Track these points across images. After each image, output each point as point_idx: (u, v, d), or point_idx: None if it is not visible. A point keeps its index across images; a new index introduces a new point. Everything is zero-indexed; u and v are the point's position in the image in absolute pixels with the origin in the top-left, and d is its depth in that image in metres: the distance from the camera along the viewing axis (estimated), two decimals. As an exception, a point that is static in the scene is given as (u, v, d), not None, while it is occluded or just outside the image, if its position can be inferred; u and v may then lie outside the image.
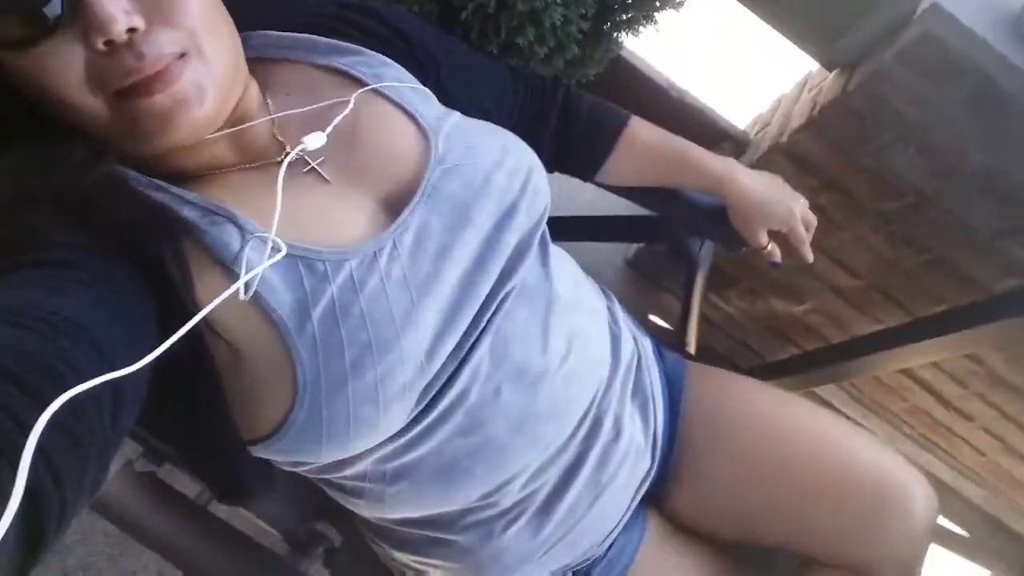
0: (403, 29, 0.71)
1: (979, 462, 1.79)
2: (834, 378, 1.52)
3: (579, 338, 0.70)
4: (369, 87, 0.64)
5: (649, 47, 1.43)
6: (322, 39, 0.66)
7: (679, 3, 1.09)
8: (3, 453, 0.30)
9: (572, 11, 0.98)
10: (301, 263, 0.53)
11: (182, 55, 0.49)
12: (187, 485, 0.79)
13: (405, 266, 0.57)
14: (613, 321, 0.81)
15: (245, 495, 0.65)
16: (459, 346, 0.60)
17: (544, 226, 0.68)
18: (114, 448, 0.42)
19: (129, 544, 1.33)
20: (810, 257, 0.93)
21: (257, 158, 0.60)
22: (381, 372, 0.54)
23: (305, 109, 0.61)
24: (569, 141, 0.88)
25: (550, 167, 0.92)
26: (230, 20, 0.57)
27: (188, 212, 0.53)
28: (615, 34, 1.12)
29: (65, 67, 0.46)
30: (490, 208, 0.62)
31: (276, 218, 0.52)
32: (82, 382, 0.36)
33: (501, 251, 0.62)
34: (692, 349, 1.13)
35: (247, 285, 0.51)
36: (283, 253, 0.52)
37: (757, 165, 1.29)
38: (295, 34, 0.66)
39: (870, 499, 0.77)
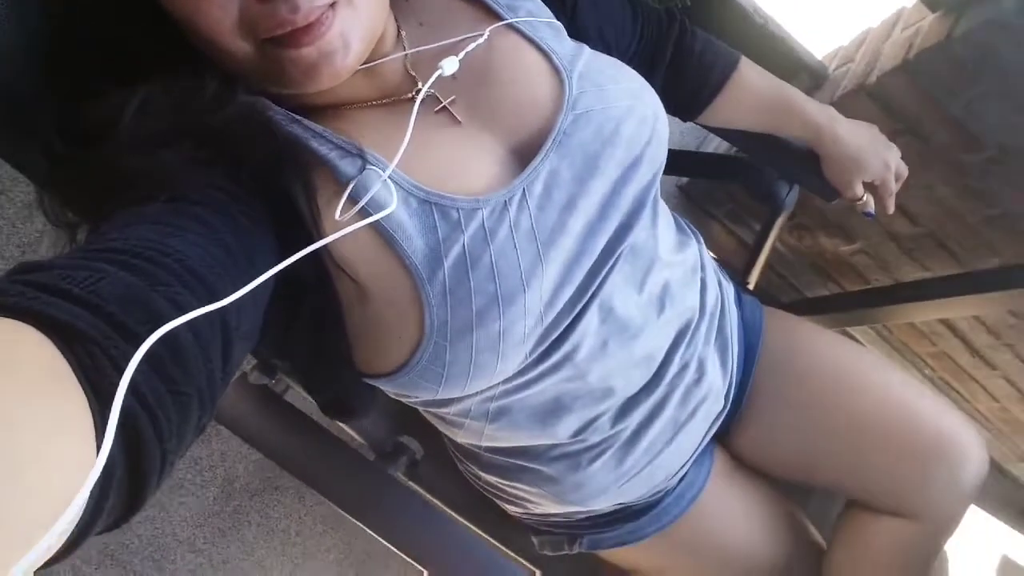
0: None
1: (991, 408, 1.85)
2: (872, 320, 1.54)
3: (671, 293, 0.72)
4: (504, 22, 0.62)
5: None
6: None
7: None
8: (109, 404, 0.29)
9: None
10: (436, 209, 0.53)
11: (332, 4, 0.48)
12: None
13: (533, 217, 0.57)
14: (702, 268, 0.81)
15: (348, 414, 0.69)
16: (573, 299, 0.61)
17: (656, 182, 0.67)
18: (222, 388, 0.42)
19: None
20: (891, 208, 0.93)
21: (390, 93, 0.59)
22: (505, 323, 0.55)
23: (437, 44, 0.60)
24: (679, 79, 0.86)
25: None
26: None
27: (319, 146, 0.53)
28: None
29: (220, 8, 0.46)
30: (618, 158, 0.61)
31: (400, 152, 0.52)
32: (190, 330, 0.37)
33: (621, 205, 0.62)
34: (752, 286, 1.15)
35: (366, 212, 0.51)
36: (385, 177, 0.51)
37: (837, 103, 1.25)
38: None
39: (928, 455, 0.81)
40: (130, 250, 0.39)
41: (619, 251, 0.63)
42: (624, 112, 0.62)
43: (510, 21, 0.62)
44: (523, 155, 0.59)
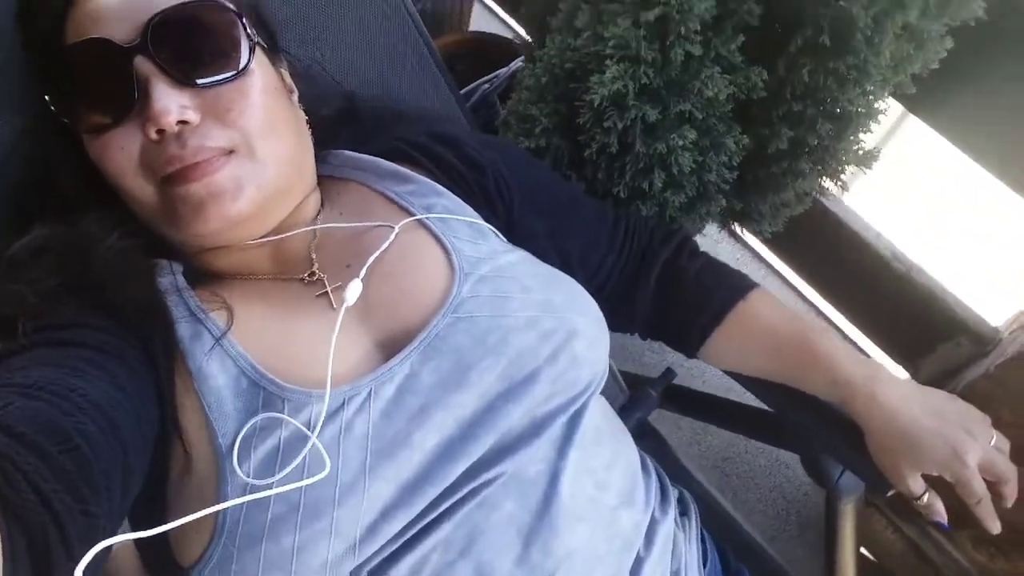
0: (480, 161, 0.66)
1: None
2: None
3: (574, 560, 0.53)
4: (414, 217, 0.60)
5: (867, 203, 1.17)
6: (386, 164, 0.65)
7: (872, 156, 0.87)
8: (23, 522, 0.33)
9: (711, 158, 0.83)
10: (262, 394, 0.50)
11: (230, 152, 0.51)
12: None
13: (373, 422, 0.50)
14: (648, 544, 0.61)
15: None
16: (408, 528, 0.49)
17: (583, 407, 0.56)
18: (119, 520, 0.44)
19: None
20: (994, 527, 0.61)
21: (286, 271, 0.59)
22: (301, 540, 0.46)
23: (347, 225, 0.60)
24: (668, 303, 0.73)
25: (645, 333, 0.77)
26: (302, 131, 0.59)
27: (175, 304, 0.53)
28: (790, 185, 0.92)
29: (122, 151, 0.50)
30: (498, 371, 0.53)
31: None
32: (96, 454, 0.40)
33: (499, 425, 0.52)
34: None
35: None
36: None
37: (996, 372, 0.93)
38: (367, 156, 0.66)
39: None
40: (34, 384, 0.41)
41: (488, 476, 0.51)
42: (521, 323, 0.54)
43: (420, 217, 0.60)
44: (389, 352, 0.54)
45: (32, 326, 0.48)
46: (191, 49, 0.50)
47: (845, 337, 1.34)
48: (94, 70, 0.50)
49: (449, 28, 1.64)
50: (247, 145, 0.52)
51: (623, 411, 0.96)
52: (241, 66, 0.52)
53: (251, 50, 0.53)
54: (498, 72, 1.37)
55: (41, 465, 0.35)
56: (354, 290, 0.54)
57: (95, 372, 0.45)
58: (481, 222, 0.63)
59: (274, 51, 0.60)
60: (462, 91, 1.34)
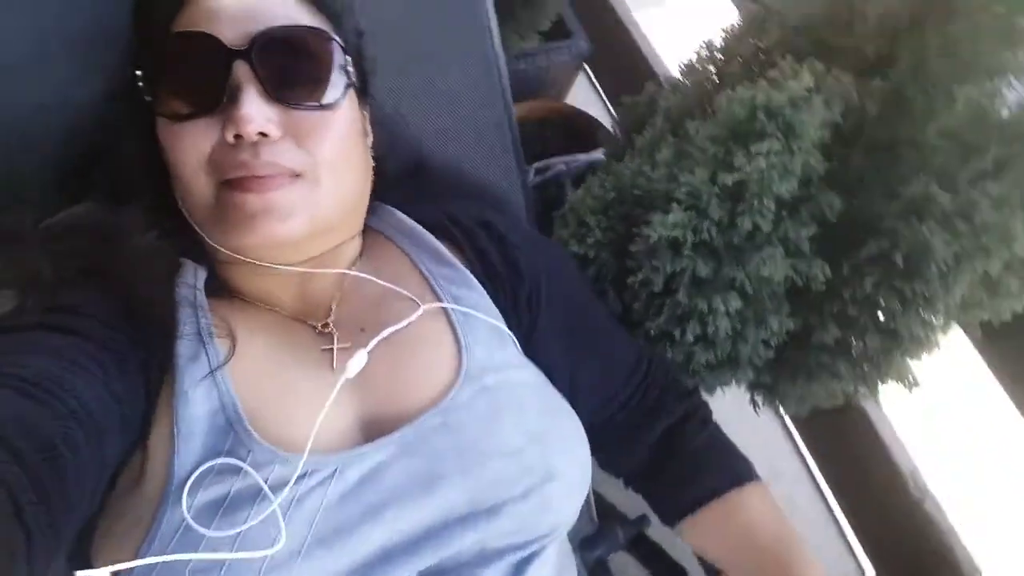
0: (521, 266, 0.65)
1: None
2: None
3: None
4: (440, 304, 0.59)
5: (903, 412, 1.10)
6: (431, 239, 0.64)
7: (915, 383, 0.82)
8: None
9: (751, 330, 0.80)
10: (232, 438, 0.49)
11: (297, 175, 0.51)
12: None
13: (327, 502, 0.48)
14: None
15: None
16: None
17: (540, 550, 0.54)
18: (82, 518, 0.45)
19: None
20: None
21: (303, 313, 0.58)
22: None
23: (378, 282, 0.59)
24: (662, 468, 0.71)
25: (630, 482, 0.75)
26: (366, 176, 0.60)
27: (185, 315, 0.53)
28: (824, 380, 0.88)
29: (194, 145, 0.51)
30: (466, 491, 0.51)
31: (309, 445, 0.49)
32: (77, 467, 0.41)
33: (447, 547, 0.50)
34: None
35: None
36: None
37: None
38: (415, 224, 0.65)
39: None
40: (30, 379, 0.42)
41: None
42: (505, 449, 0.53)
43: (446, 305, 0.59)
44: (369, 434, 0.53)
45: (42, 304, 0.48)
46: (290, 69, 0.52)
47: (841, 534, 1.28)
48: (194, 61, 0.51)
49: (547, 92, 1.64)
50: (314, 173, 0.52)
51: (585, 542, 0.91)
52: (332, 100, 0.53)
53: (345, 87, 0.55)
54: (578, 156, 1.36)
55: (21, 474, 0.35)
56: (357, 363, 0.53)
57: (93, 370, 0.45)
58: (503, 328, 0.62)
59: (364, 94, 0.61)
60: (540, 162, 1.34)
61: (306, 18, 0.54)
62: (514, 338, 0.63)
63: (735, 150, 0.71)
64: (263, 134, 0.50)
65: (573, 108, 1.55)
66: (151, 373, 0.50)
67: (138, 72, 0.52)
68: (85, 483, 0.42)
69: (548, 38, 1.53)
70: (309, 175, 0.52)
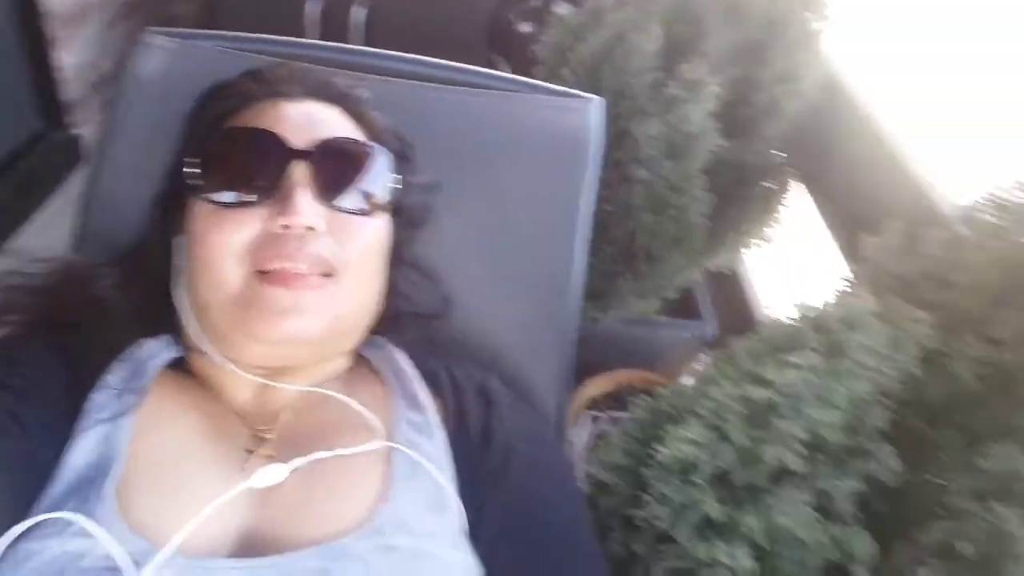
0: (495, 433, 0.59)
1: None
2: None
3: None
4: (388, 443, 0.55)
5: None
6: (414, 386, 0.62)
7: None
8: None
9: None
10: (89, 500, 0.47)
11: (327, 275, 0.53)
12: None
13: None
14: None
15: None
16: None
17: None
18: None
19: None
20: None
21: (254, 416, 0.57)
22: None
23: (341, 398, 0.58)
24: None
25: None
26: (380, 294, 0.61)
27: (117, 365, 0.55)
28: None
29: (237, 231, 0.53)
30: None
31: (177, 540, 0.46)
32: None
33: None
34: None
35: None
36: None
37: None
38: (408, 368, 0.63)
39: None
40: None
41: None
42: None
43: (395, 446, 0.54)
44: (242, 551, 0.48)
45: None
46: (344, 176, 0.56)
47: None
48: (255, 155, 0.55)
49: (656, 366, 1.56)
50: (342, 273, 0.53)
51: None
52: (372, 208, 0.57)
53: (385, 207, 0.58)
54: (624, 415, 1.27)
55: None
56: (267, 476, 0.50)
57: (13, 430, 0.48)
58: (451, 493, 0.54)
59: (399, 227, 0.62)
60: (594, 410, 1.26)
61: (360, 136, 0.59)
62: (462, 511, 0.53)
63: (768, 362, 0.60)
64: (310, 228, 0.52)
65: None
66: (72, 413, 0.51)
67: (188, 159, 0.56)
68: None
69: (675, 312, 1.49)
70: (339, 274, 0.53)
